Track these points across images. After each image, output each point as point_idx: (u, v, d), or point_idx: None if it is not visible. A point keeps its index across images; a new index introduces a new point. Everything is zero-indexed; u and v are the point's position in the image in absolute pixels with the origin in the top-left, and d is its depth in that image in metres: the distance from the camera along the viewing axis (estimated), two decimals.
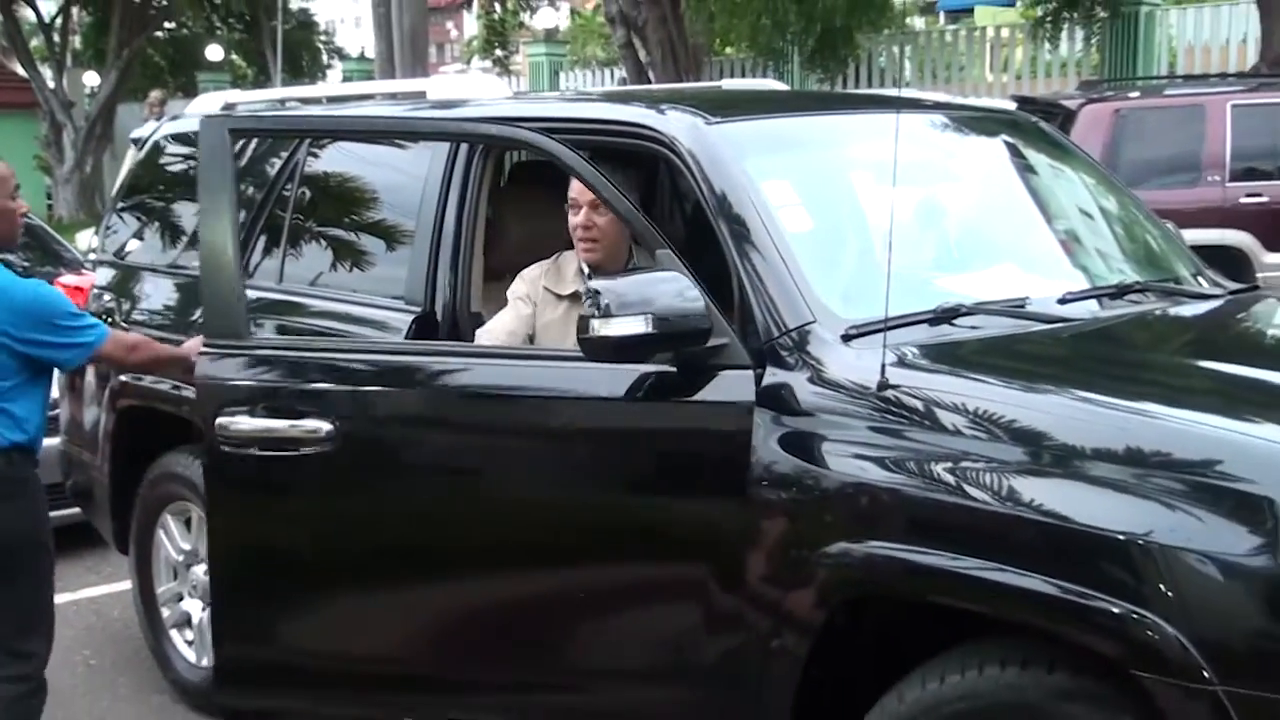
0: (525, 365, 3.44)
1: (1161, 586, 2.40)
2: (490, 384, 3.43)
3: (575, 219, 3.67)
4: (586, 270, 3.69)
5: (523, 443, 3.41)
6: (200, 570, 4.76)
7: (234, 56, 31.49)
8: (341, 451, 3.43)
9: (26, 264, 7.63)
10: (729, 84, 5.54)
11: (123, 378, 4.83)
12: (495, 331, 3.75)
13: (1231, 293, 3.93)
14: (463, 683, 3.52)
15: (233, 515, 3.61)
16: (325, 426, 3.43)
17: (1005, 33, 18.82)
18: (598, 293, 3.02)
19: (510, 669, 3.45)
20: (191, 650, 4.82)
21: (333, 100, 5.31)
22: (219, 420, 3.53)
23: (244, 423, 3.50)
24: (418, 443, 3.55)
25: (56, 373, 5.04)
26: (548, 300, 3.79)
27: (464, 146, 3.88)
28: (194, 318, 4.64)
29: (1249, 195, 9.51)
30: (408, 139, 3.97)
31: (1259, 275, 8.79)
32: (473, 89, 4.59)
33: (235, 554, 3.62)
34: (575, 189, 3.65)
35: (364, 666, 3.59)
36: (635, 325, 2.99)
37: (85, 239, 9.78)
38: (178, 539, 4.83)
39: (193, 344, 4.01)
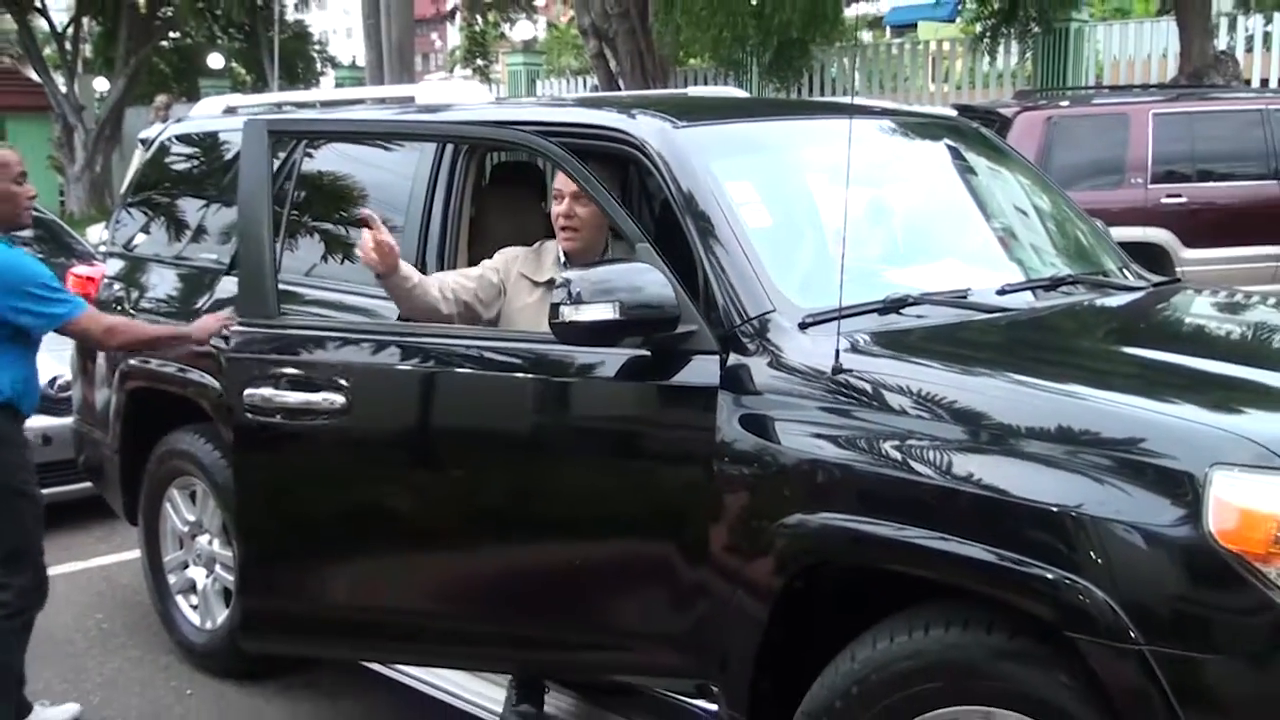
0: (512, 344, 3.42)
1: (1092, 554, 2.41)
2: (480, 362, 3.41)
3: (558, 208, 3.63)
4: (564, 259, 3.67)
5: (508, 420, 3.39)
6: (204, 540, 4.74)
7: (234, 64, 31.20)
8: (353, 422, 3.44)
9: (41, 256, 7.54)
10: (694, 91, 5.51)
11: (131, 361, 4.80)
12: (444, 277, 3.67)
13: (1154, 285, 3.95)
14: (458, 635, 3.51)
15: (257, 479, 3.61)
16: (340, 399, 3.43)
17: (946, 46, 18.82)
18: (569, 281, 3.04)
19: (501, 625, 3.45)
20: (196, 614, 4.81)
21: (326, 105, 5.27)
22: (246, 391, 3.52)
23: (269, 394, 3.50)
24: (418, 416, 3.53)
25: (69, 354, 5.05)
26: (521, 285, 3.72)
27: (449, 149, 3.86)
28: (197, 305, 4.61)
29: (1169, 196, 9.55)
30: (427, 141, 3.94)
31: (1178, 270, 8.86)
32: (458, 94, 4.56)
33: (258, 515, 3.62)
34: (560, 180, 3.61)
35: (371, 617, 3.60)
36: (604, 312, 3.00)
37: (96, 233, 9.70)
38: (183, 511, 4.80)
39: (202, 324, 4.01)
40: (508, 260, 3.75)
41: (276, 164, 4.51)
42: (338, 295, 4.09)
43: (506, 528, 3.39)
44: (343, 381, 3.45)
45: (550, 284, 3.65)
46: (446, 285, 3.61)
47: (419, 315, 3.57)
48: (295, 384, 3.50)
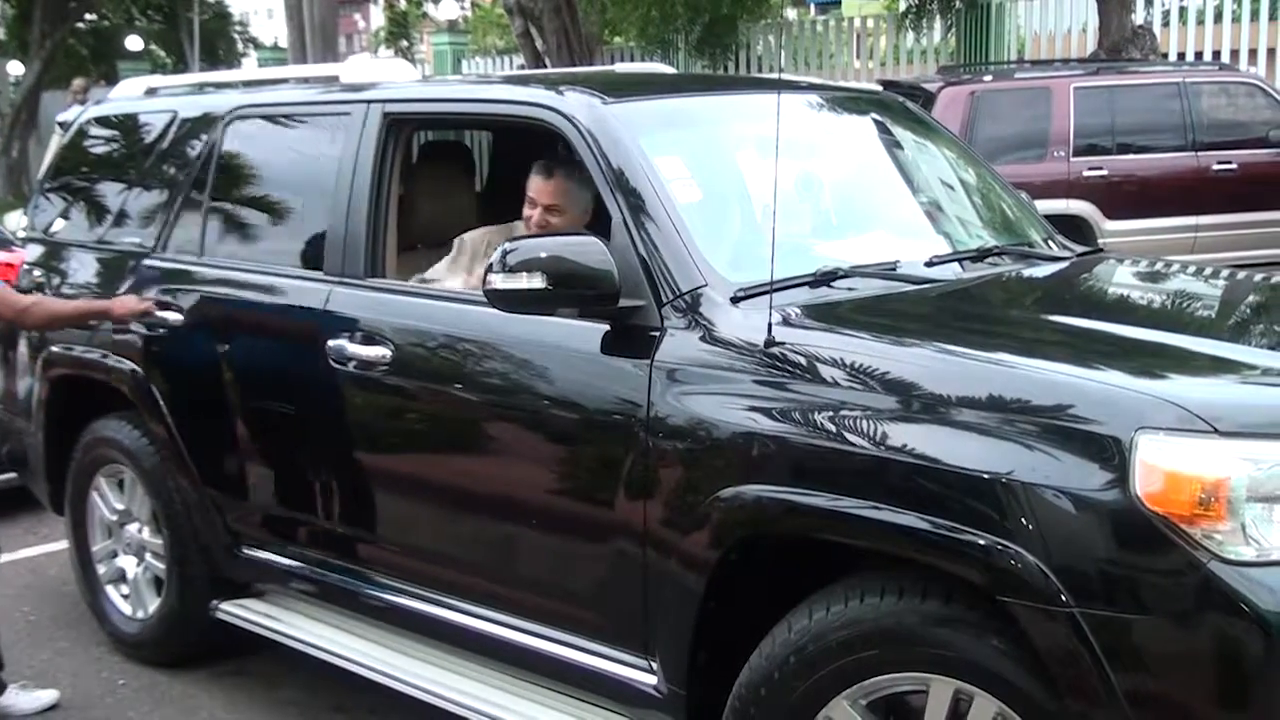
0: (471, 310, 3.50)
1: (1023, 520, 2.44)
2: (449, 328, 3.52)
3: (533, 215, 3.76)
4: None
5: (461, 388, 3.47)
6: (134, 528, 4.67)
7: (153, 46, 30.70)
8: (392, 373, 3.60)
9: None
10: (622, 68, 5.49)
11: (54, 348, 4.72)
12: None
13: (1078, 255, 4.00)
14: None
15: (334, 417, 3.78)
16: (387, 353, 3.56)
17: (870, 23, 18.91)
18: (505, 250, 3.08)
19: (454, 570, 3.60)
20: (127, 604, 4.74)
21: (248, 85, 5.18)
22: (329, 343, 3.70)
23: (346, 347, 3.68)
24: (429, 373, 3.57)
25: None
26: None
27: (375, 128, 3.83)
28: (120, 289, 4.52)
29: (1090, 169, 9.68)
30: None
31: (1100, 241, 8.99)
32: (385, 73, 4.49)
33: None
34: (534, 189, 3.75)
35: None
36: (530, 280, 3.03)
37: (14, 220, 9.50)
38: (111, 500, 4.73)
39: (124, 301, 3.97)
40: (481, 245, 3.88)
41: (200, 145, 4.47)
42: (268, 279, 4.04)
43: (451, 496, 3.54)
44: (386, 337, 3.62)
45: None
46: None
47: None
48: (364, 338, 3.66)
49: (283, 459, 4.06)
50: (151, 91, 5.05)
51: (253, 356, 4.10)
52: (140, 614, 4.67)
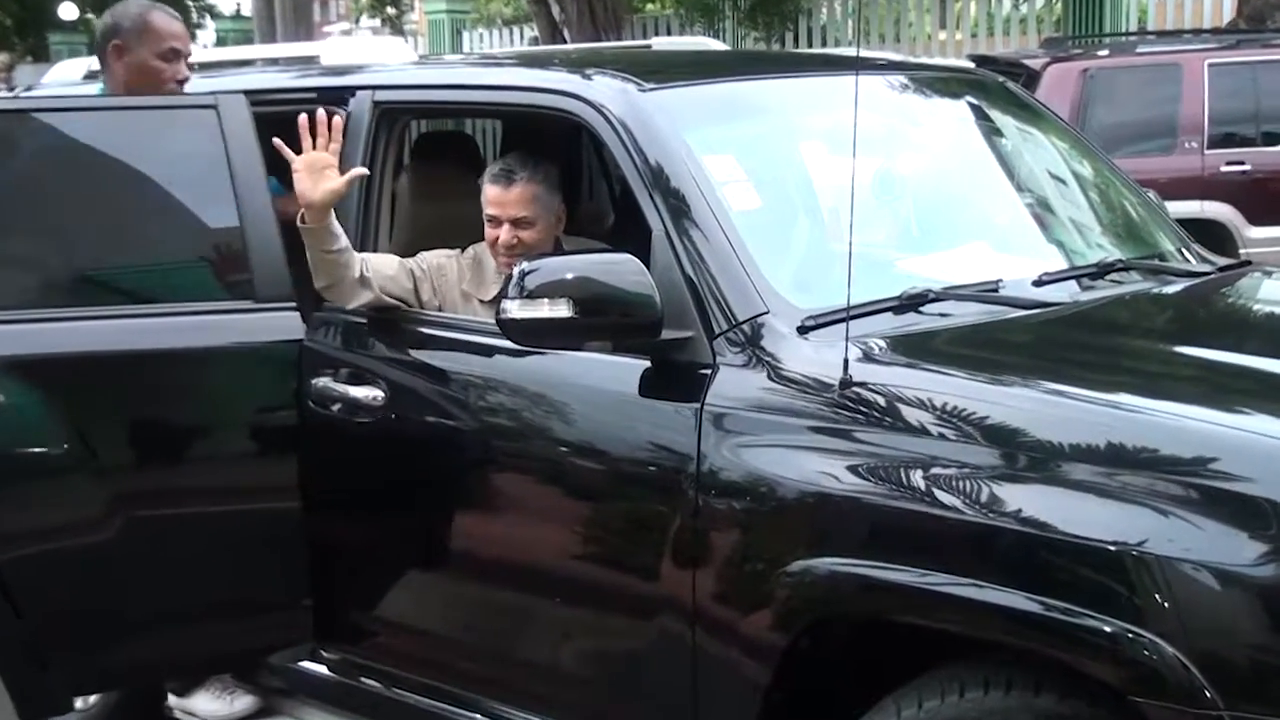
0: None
1: (1158, 600, 2.43)
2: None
3: (499, 234, 3.67)
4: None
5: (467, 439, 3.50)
6: None
7: (90, 16, 30.98)
8: (388, 415, 3.59)
9: None
10: (660, 44, 5.53)
11: None
12: (366, 255, 3.71)
13: (1220, 269, 3.98)
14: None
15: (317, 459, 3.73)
16: (379, 394, 3.58)
17: None
18: (523, 272, 3.06)
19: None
20: None
21: (205, 66, 5.23)
22: (313, 381, 3.70)
23: (330, 386, 3.68)
24: (430, 419, 3.61)
25: None
26: (463, 303, 3.77)
27: (364, 119, 3.84)
28: None
29: (1229, 163, 9.64)
30: None
31: (1241, 251, 8.93)
32: (373, 53, 4.53)
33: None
34: (494, 202, 3.66)
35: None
36: (552, 308, 3.03)
37: None
38: None
39: None
40: (435, 269, 3.78)
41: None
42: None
43: (452, 566, 3.59)
44: (378, 375, 3.65)
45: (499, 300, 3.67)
46: (369, 264, 3.65)
47: (334, 293, 3.66)
48: (351, 377, 3.67)
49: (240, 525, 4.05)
50: (94, 74, 5.09)
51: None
52: (80, 704, 4.68)
